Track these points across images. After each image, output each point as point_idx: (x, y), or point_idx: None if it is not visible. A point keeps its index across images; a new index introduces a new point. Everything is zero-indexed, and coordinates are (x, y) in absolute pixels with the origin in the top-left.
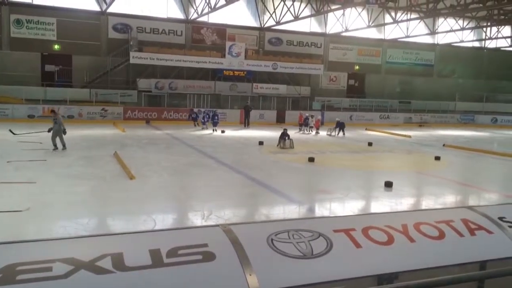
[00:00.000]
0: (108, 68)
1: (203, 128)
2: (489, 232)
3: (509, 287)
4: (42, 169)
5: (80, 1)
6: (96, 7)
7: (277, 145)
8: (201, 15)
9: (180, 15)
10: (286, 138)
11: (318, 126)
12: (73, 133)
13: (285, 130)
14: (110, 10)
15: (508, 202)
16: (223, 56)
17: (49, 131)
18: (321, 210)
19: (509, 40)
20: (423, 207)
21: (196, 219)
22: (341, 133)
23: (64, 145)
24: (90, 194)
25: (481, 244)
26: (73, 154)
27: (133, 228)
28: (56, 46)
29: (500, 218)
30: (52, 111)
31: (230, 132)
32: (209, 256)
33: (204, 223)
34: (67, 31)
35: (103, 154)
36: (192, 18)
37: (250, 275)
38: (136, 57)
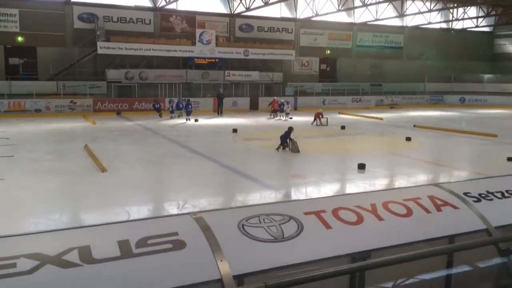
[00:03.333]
0: (75, 59)
1: (171, 117)
2: (455, 207)
3: (476, 259)
4: (9, 165)
5: None
6: None
7: (277, 148)
8: (170, 2)
9: (147, 3)
10: (289, 140)
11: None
12: (41, 127)
13: (291, 129)
14: None
15: (472, 178)
16: (194, 44)
17: None
18: (296, 195)
19: (475, 20)
20: (395, 186)
21: (172, 209)
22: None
23: None
24: (61, 189)
25: (447, 219)
26: (42, 148)
27: (107, 221)
28: (19, 38)
29: (465, 194)
30: None
31: (203, 121)
32: (179, 245)
33: (179, 213)
34: (30, 22)
35: (73, 147)
36: (160, 5)
37: (221, 261)
38: (103, 47)
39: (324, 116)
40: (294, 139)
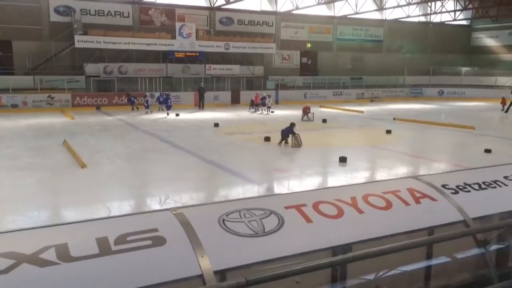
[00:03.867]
0: (52, 53)
1: (146, 113)
2: (433, 199)
3: (455, 250)
4: None
5: None
6: None
7: (280, 143)
8: None
9: None
10: (291, 135)
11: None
12: (18, 123)
13: (293, 125)
14: None
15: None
16: (174, 37)
17: None
18: (278, 189)
19: (452, 14)
20: (376, 179)
21: (153, 205)
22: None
23: None
24: (39, 185)
25: (426, 211)
26: (20, 145)
27: (87, 218)
28: None
29: (443, 186)
30: None
31: (184, 115)
32: (159, 241)
33: (159, 208)
34: (5, 15)
35: (51, 143)
36: None
37: (201, 256)
38: (81, 41)
39: (310, 111)
40: (297, 133)
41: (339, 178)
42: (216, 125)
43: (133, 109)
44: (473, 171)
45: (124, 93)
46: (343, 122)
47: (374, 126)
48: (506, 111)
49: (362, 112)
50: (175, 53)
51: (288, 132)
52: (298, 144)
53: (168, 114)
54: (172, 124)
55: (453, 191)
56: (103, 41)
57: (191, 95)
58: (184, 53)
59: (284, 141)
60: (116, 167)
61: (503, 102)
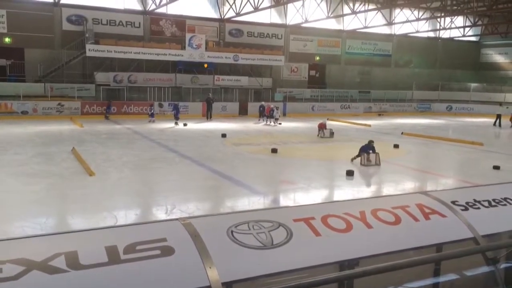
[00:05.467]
0: (64, 61)
1: (149, 121)
2: (443, 215)
3: (464, 267)
4: None
5: None
6: None
7: (354, 158)
8: (159, 6)
9: (137, 6)
10: (371, 152)
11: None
12: (27, 129)
13: (371, 142)
14: (63, 1)
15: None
16: (183, 48)
17: None
18: (285, 201)
19: (462, 30)
20: (383, 193)
21: (159, 214)
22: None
23: None
24: (47, 192)
25: (435, 227)
26: (29, 151)
27: (93, 226)
28: (7, 39)
29: (453, 202)
30: None
31: (192, 125)
32: (168, 251)
33: (167, 218)
34: (18, 23)
35: (60, 150)
36: (150, 9)
37: (210, 267)
38: (92, 50)
39: (327, 127)
40: (377, 151)
41: (346, 192)
42: (224, 135)
43: (150, 120)
44: (482, 188)
45: (142, 103)
46: (351, 135)
47: (381, 140)
48: (499, 125)
49: (369, 125)
50: (204, 64)
51: (367, 149)
52: (372, 162)
53: (177, 123)
54: (179, 134)
55: (463, 207)
56: (114, 51)
57: (199, 105)
58: (196, 64)
59: (360, 157)
60: (124, 176)
61: None
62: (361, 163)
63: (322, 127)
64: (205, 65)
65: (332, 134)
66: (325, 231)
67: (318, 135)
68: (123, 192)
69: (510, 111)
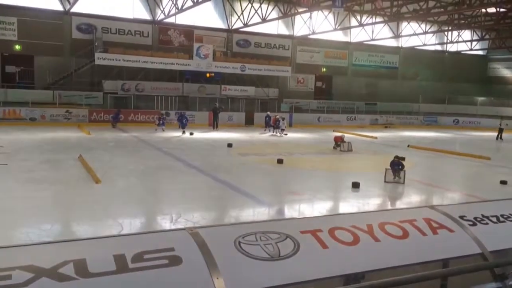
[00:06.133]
0: (72, 69)
1: (156, 130)
2: (451, 230)
3: (471, 283)
4: (2, 173)
5: (42, 0)
6: (59, 7)
7: (334, 148)
8: (168, 16)
9: (146, 15)
10: (399, 168)
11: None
12: (35, 136)
13: (397, 159)
14: (73, 9)
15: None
16: (191, 57)
17: None
18: (290, 212)
19: (469, 43)
20: (389, 207)
21: (165, 223)
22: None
23: None
24: (54, 199)
25: (443, 242)
26: (36, 158)
27: (98, 233)
28: (17, 47)
29: (461, 217)
30: None
31: (198, 134)
32: (175, 260)
33: (173, 227)
34: (28, 31)
35: (67, 157)
36: (158, 19)
37: (217, 278)
38: (101, 58)
39: (345, 140)
40: (401, 169)
41: (352, 204)
42: (230, 145)
43: (157, 129)
44: (491, 203)
45: (149, 111)
46: (356, 147)
47: (387, 152)
48: (501, 138)
49: (375, 138)
50: (207, 73)
51: (396, 166)
52: (401, 180)
53: (184, 132)
54: (186, 143)
55: (471, 222)
56: (122, 59)
57: (205, 114)
58: (204, 73)
59: (385, 172)
60: (130, 184)
61: None
62: (385, 180)
63: (338, 140)
64: (207, 75)
65: (350, 147)
66: (332, 243)
67: (334, 148)
68: (129, 200)
69: (510, 127)
